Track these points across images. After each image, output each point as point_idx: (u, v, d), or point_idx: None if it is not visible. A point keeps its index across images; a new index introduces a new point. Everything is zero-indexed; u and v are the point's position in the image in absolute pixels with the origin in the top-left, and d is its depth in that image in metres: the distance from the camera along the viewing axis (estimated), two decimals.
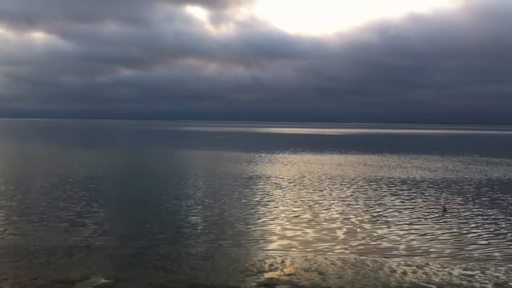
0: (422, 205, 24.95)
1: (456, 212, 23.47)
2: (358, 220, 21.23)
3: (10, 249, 15.96)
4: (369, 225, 20.32)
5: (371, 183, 32.87)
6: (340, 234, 18.75)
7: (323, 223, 20.49)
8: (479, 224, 20.89)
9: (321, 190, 29.37)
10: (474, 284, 13.29)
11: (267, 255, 15.72)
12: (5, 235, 17.80)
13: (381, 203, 25.24)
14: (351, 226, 20.02)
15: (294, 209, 23.30)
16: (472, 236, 18.74)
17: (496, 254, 16.43)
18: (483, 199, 27.42)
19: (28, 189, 28.49)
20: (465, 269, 14.56)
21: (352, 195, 27.88)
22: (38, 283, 12.73)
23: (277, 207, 23.89)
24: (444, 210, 23.85)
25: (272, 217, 21.62)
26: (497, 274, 14.20)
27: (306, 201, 25.49)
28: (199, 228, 19.40)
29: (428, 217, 22.16)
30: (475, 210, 24.10)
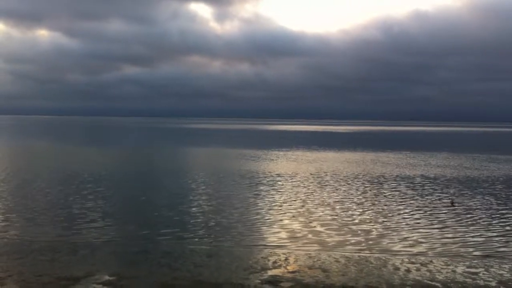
0: (431, 201, 24.90)
1: (464, 208, 23.52)
2: (364, 216, 21.20)
3: (15, 246, 16.03)
4: (374, 221, 20.28)
5: (383, 180, 32.81)
6: (344, 231, 18.73)
7: (327, 221, 20.47)
8: (485, 221, 20.87)
9: (331, 188, 29.33)
10: (478, 281, 13.27)
11: (270, 252, 15.74)
12: (10, 232, 17.86)
13: (390, 200, 25.21)
14: (356, 223, 20.00)
15: (300, 206, 23.29)
16: (476, 233, 18.69)
17: (501, 251, 16.40)
18: (496, 196, 27.30)
19: (34, 186, 28.57)
20: (469, 267, 14.54)
21: (360, 192, 27.85)
22: (43, 280, 12.78)
23: (283, 204, 23.86)
24: (452, 204, 24.06)
25: (276, 214, 21.62)
26: (501, 272, 14.17)
27: (312, 198, 25.46)
28: (203, 225, 19.42)
29: (435, 212, 22.11)
30: (484, 206, 24.10)
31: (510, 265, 14.82)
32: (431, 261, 15.01)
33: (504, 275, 13.93)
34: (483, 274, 13.94)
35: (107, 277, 13.02)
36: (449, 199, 25.59)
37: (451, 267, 14.50)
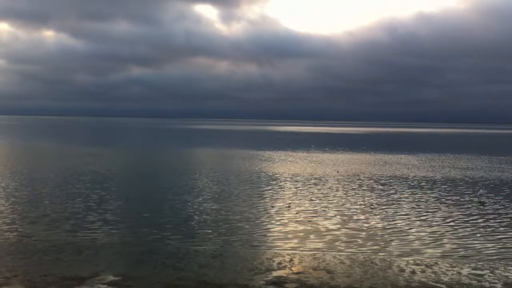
0: (456, 203, 24.99)
1: (491, 209, 23.68)
2: (373, 218, 21.13)
3: (20, 246, 16.09)
4: (383, 223, 20.22)
5: (402, 182, 32.65)
6: (350, 232, 18.68)
7: (334, 222, 20.41)
8: (503, 224, 20.79)
9: (344, 189, 29.17)
10: (483, 283, 13.21)
11: (275, 253, 15.73)
12: (15, 232, 17.93)
13: (403, 202, 25.10)
14: (363, 224, 19.94)
15: (307, 208, 23.25)
16: (489, 235, 18.63)
17: (506, 253, 16.32)
18: None
19: (39, 186, 28.66)
20: (474, 269, 14.48)
21: (374, 193, 27.73)
22: (48, 280, 12.83)
23: (289, 206, 23.80)
24: (481, 204, 24.63)
25: (282, 215, 21.59)
26: (506, 274, 14.11)
27: (322, 200, 25.38)
28: (208, 226, 19.43)
29: (461, 215, 22.09)
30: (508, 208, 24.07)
31: None
32: (436, 263, 14.95)
33: (510, 277, 13.86)
34: (489, 276, 13.88)
35: (111, 278, 13.05)
36: (478, 197, 25.83)
37: (456, 269, 14.45)
